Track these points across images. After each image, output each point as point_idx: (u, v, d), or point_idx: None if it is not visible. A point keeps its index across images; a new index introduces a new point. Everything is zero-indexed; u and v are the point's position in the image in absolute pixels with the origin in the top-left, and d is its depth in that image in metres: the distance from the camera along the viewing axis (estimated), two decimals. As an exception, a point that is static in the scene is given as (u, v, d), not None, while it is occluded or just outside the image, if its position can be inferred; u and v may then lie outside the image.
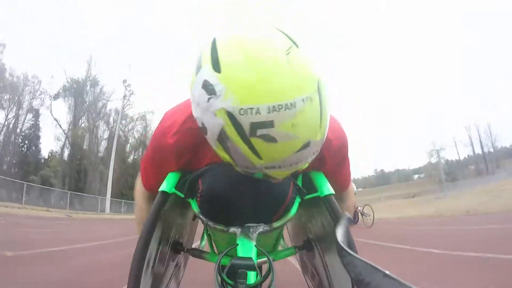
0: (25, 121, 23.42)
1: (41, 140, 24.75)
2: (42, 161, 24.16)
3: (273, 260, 0.57)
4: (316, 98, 0.39)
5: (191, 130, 0.58)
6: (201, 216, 0.66)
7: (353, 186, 0.86)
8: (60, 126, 25.22)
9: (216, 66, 0.39)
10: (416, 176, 51.97)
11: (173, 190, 0.67)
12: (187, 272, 1.09)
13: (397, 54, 75.50)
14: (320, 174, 0.72)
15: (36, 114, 23.99)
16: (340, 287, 0.66)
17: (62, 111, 27.43)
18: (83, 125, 26.47)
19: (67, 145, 25.02)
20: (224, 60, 0.39)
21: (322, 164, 0.66)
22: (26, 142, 23.77)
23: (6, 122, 22.21)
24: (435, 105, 69.49)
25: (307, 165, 0.46)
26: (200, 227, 1.02)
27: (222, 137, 0.41)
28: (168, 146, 0.62)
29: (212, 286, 0.51)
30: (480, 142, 41.78)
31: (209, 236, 0.96)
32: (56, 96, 24.44)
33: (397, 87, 76.94)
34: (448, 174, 39.53)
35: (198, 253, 0.83)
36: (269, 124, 0.37)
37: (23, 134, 23.59)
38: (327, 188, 0.67)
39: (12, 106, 22.38)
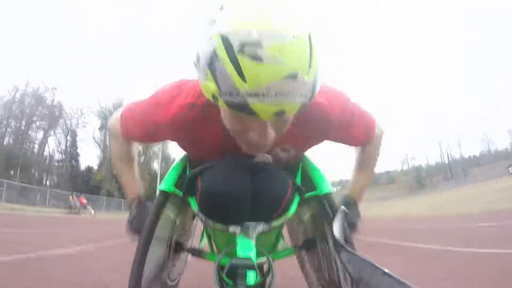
0: (72, 145, 32.64)
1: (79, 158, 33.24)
2: (86, 174, 31.38)
3: (273, 260, 0.57)
4: (306, 41, 0.41)
5: (192, 106, 0.60)
6: (200, 215, 0.65)
7: (380, 133, 0.75)
8: (100, 147, 32.15)
9: (222, 8, 0.43)
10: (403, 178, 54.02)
11: (172, 189, 0.67)
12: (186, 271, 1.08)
13: (397, 56, 78.26)
14: (319, 171, 0.72)
15: (74, 135, 32.76)
16: (340, 286, 0.66)
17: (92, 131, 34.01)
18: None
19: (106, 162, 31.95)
20: (229, 4, 0.43)
21: (325, 133, 0.66)
22: (66, 159, 32.13)
23: (60, 148, 31.81)
24: (421, 114, 73.17)
25: (294, 108, 0.44)
26: (199, 226, 1.01)
27: (212, 60, 0.42)
28: (165, 118, 0.62)
29: (212, 285, 0.51)
30: (448, 154, 46.80)
31: (208, 235, 0.96)
32: (101, 128, 32.13)
33: (390, 89, 79.09)
34: (417, 181, 43.84)
35: (197, 253, 0.82)
36: (258, 43, 0.39)
37: (71, 154, 32.21)
38: (326, 187, 0.67)
39: (58, 130, 31.90)
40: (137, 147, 0.81)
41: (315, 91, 0.45)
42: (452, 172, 46.76)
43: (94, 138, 32.46)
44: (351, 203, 0.78)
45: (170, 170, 0.74)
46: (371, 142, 0.74)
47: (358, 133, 0.70)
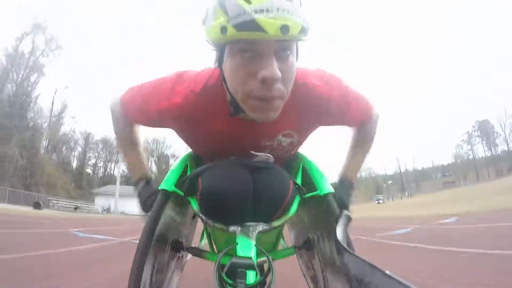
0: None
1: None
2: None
3: (273, 260, 0.56)
4: None
5: (192, 94, 0.63)
6: (200, 215, 0.65)
7: (376, 117, 0.78)
8: (152, 172, 41.74)
9: None
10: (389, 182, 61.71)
11: (173, 188, 0.67)
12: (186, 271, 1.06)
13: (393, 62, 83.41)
14: (319, 171, 0.73)
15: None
16: (340, 287, 0.66)
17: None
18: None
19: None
20: None
21: (324, 115, 0.68)
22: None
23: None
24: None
25: (296, 26, 0.47)
26: (200, 226, 1.00)
27: None
28: (166, 107, 0.65)
29: (211, 285, 0.51)
30: (400, 171, 60.01)
31: (208, 235, 0.95)
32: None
33: (384, 93, 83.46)
34: (377, 190, 50.65)
35: (197, 252, 0.81)
36: None
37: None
38: (327, 187, 0.68)
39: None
40: (140, 131, 0.82)
41: (309, 25, 0.51)
42: (404, 183, 56.85)
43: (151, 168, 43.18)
44: (346, 183, 0.79)
45: (171, 169, 0.74)
46: (368, 124, 0.78)
47: (355, 114, 0.73)
